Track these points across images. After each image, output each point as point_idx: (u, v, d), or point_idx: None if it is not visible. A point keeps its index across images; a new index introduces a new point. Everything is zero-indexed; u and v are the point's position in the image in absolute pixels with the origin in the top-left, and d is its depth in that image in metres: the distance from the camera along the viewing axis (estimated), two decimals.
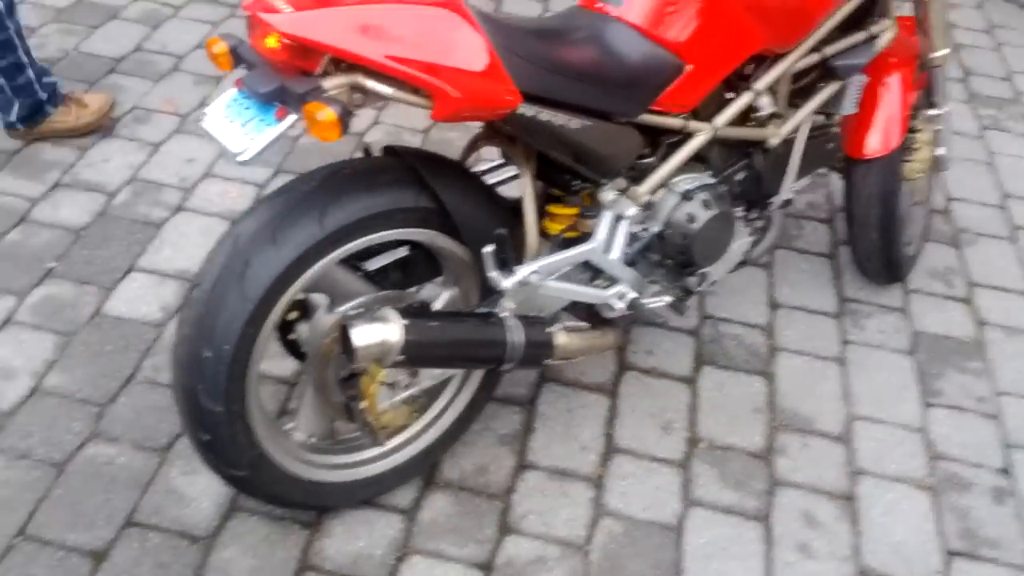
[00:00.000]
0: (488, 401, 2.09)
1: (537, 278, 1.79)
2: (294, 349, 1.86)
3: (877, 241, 2.46)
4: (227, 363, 1.61)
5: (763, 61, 2.00)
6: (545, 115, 1.67)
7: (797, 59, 2.01)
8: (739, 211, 2.13)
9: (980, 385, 2.44)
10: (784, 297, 2.63)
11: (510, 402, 2.25)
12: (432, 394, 1.98)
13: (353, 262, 1.77)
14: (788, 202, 2.30)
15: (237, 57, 1.53)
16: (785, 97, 2.07)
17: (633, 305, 1.94)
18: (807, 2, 1.93)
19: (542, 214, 1.94)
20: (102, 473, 2.00)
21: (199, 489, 1.98)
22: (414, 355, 1.66)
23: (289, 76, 1.47)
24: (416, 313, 1.69)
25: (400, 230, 1.71)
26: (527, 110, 1.64)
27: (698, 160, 2.02)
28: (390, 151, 1.78)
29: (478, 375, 1.99)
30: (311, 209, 1.61)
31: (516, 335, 1.76)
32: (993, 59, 3.89)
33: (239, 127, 1.51)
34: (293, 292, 1.64)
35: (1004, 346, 2.56)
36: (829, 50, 2.09)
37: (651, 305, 2.01)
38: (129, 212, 2.67)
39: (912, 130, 2.44)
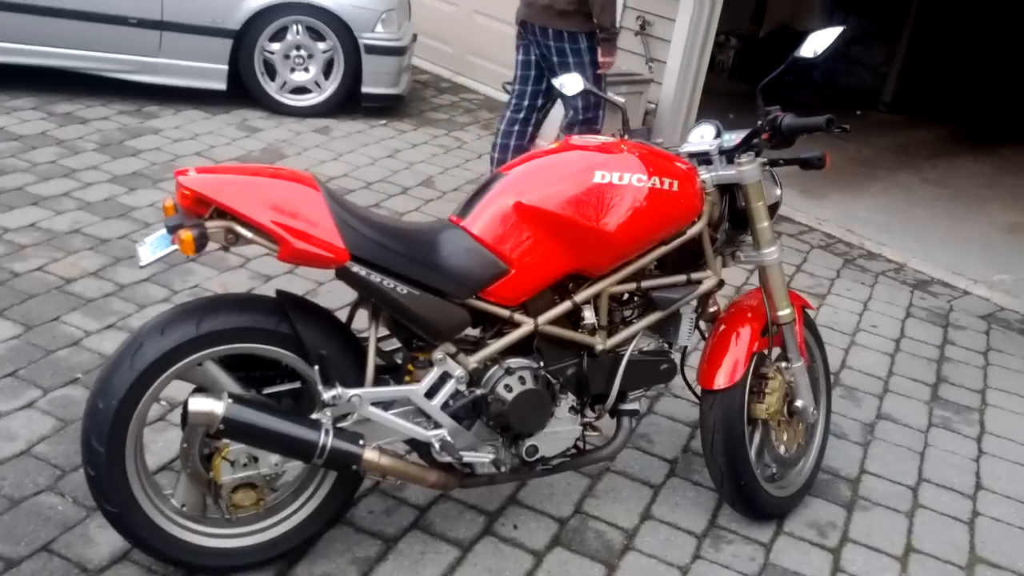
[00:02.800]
0: (340, 515, 2.55)
1: (357, 400, 2.31)
2: None
3: (724, 467, 2.81)
4: (112, 414, 2.20)
5: (583, 280, 2.55)
6: (375, 277, 2.27)
7: (610, 284, 2.54)
8: (571, 401, 2.58)
9: None
10: (660, 513, 2.97)
11: (377, 535, 2.68)
12: (285, 492, 2.47)
13: (255, 385, 2.35)
14: (635, 412, 2.74)
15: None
16: (606, 313, 2.58)
17: (447, 450, 2.41)
18: (612, 242, 2.46)
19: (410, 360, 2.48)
20: (42, 513, 2.57)
21: (104, 539, 2.51)
22: (233, 429, 2.20)
23: (189, 218, 2.16)
24: (248, 401, 2.25)
25: (262, 346, 2.29)
26: (357, 269, 2.24)
27: (534, 348, 2.53)
28: (279, 293, 2.41)
29: (326, 486, 2.47)
30: (193, 316, 2.25)
31: (326, 439, 2.27)
32: (975, 375, 4.19)
33: (150, 247, 2.20)
34: (172, 373, 2.23)
35: None
36: (645, 283, 2.61)
37: (468, 458, 2.47)
38: None
39: (764, 376, 2.85)
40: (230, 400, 2.20)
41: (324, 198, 2.23)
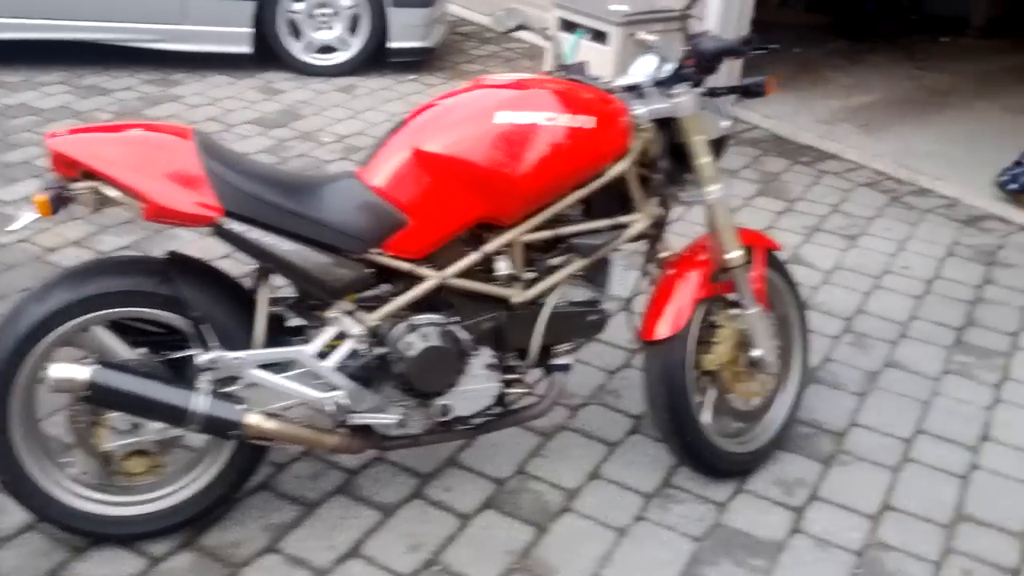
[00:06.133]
0: (242, 481, 2.49)
1: (238, 363, 2.24)
2: None
3: (667, 422, 2.63)
4: None
5: (498, 228, 2.38)
6: (254, 234, 2.18)
7: (522, 233, 2.37)
8: (488, 358, 2.44)
9: None
10: (610, 472, 2.81)
11: (298, 501, 2.62)
12: (189, 459, 2.43)
13: (160, 350, 2.29)
14: (565, 367, 2.58)
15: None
16: (522, 263, 2.41)
17: (343, 413, 2.31)
18: (523, 186, 2.30)
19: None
20: None
21: (17, 507, 2.49)
22: (99, 396, 2.15)
23: (62, 181, 2.10)
24: (117, 367, 2.19)
25: (143, 309, 2.23)
26: (232, 226, 2.16)
27: (446, 304, 2.40)
28: (170, 254, 2.34)
29: (227, 452, 2.41)
30: (74, 280, 2.20)
31: (201, 405, 2.20)
32: (1012, 317, 3.83)
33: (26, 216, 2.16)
34: (52, 339, 2.20)
35: (803, 554, 2.57)
36: (564, 230, 2.43)
37: (371, 421, 2.37)
38: None
39: (713, 325, 2.64)
40: (98, 366, 2.16)
41: (197, 151, 2.14)
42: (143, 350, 2.27)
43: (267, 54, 5.76)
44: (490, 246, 2.38)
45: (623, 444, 2.92)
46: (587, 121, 2.33)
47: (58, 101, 5.14)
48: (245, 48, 5.69)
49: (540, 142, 2.29)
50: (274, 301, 2.37)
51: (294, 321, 2.40)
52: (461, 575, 2.44)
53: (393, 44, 5.87)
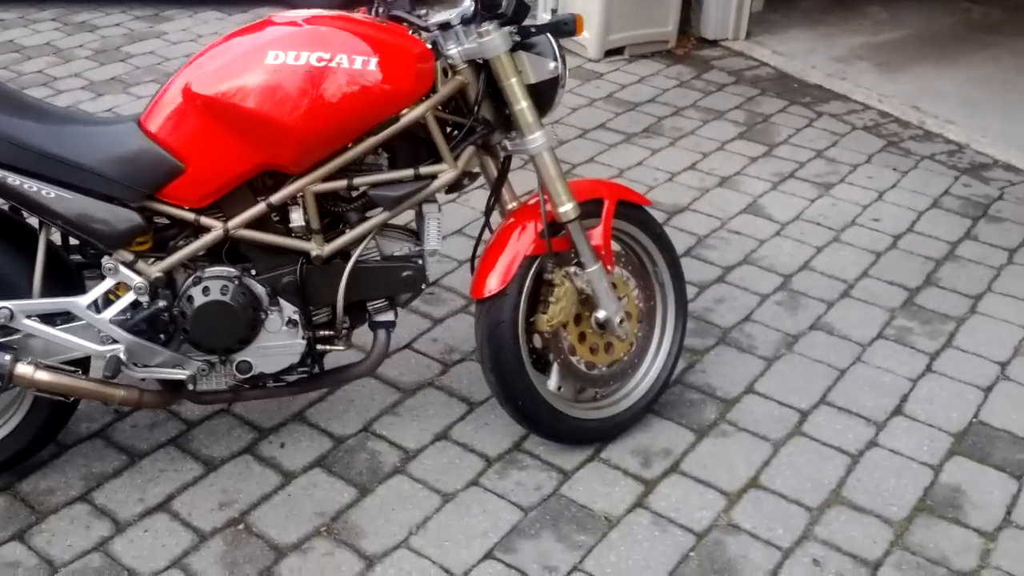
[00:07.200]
0: (49, 433, 2.43)
1: (6, 313, 2.17)
2: None
3: (496, 384, 2.46)
4: None
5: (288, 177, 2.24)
6: (13, 180, 2.10)
7: (310, 182, 2.22)
8: (289, 313, 2.31)
9: (564, 557, 2.31)
10: (460, 434, 2.67)
11: (126, 451, 2.56)
12: None
13: None
14: (389, 324, 2.43)
15: None
16: (316, 214, 2.26)
17: (118, 366, 2.22)
18: (298, 132, 2.13)
19: None
20: None
21: None
22: None
23: None
24: None
25: None
26: None
27: (240, 256, 2.28)
28: None
29: (27, 403, 2.36)
30: None
31: None
32: (980, 277, 3.49)
33: None
34: None
35: (636, 533, 2.39)
36: (358, 180, 2.26)
37: (154, 375, 2.28)
38: None
39: (550, 283, 2.44)
40: None
41: None
42: None
43: None
44: (276, 196, 2.24)
45: (485, 405, 2.77)
46: (368, 62, 2.15)
47: (44, 38, 5.18)
48: None
49: (312, 84, 2.12)
50: (69, 250, 2.30)
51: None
52: (262, 535, 2.35)
53: None
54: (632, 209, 2.60)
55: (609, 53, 5.31)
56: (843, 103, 4.91)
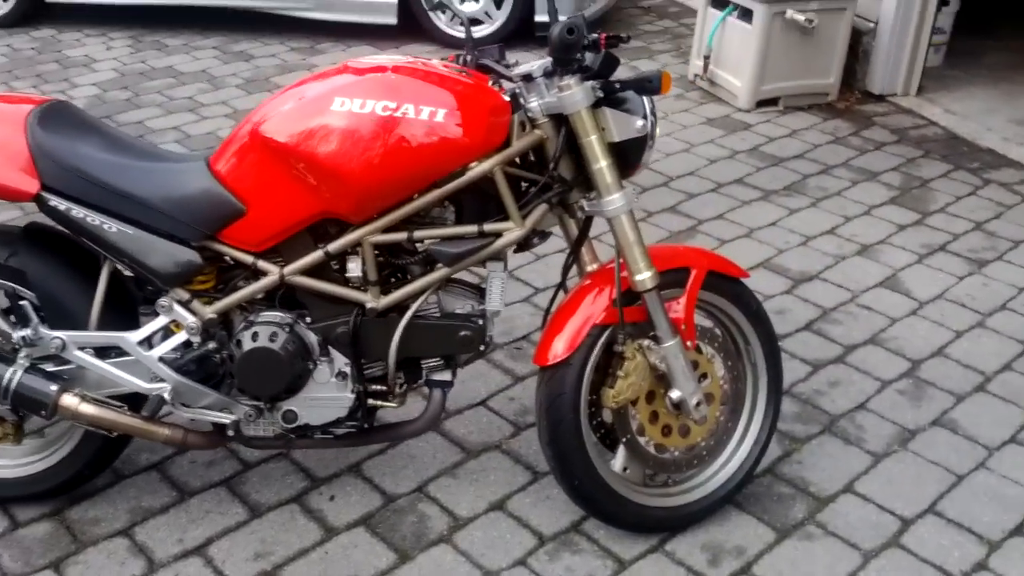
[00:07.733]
0: (102, 461, 2.42)
1: (59, 343, 2.16)
2: None
3: (553, 459, 2.28)
4: None
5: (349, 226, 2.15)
6: (78, 212, 2.10)
7: (369, 232, 2.11)
8: (340, 365, 2.22)
9: None
10: (516, 506, 2.50)
11: (178, 487, 2.52)
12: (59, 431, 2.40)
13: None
14: (446, 384, 2.30)
15: None
16: (373, 265, 2.15)
17: (161, 405, 2.18)
18: (358, 181, 2.04)
19: None
20: None
21: None
22: None
23: None
24: None
25: None
26: (56, 203, 2.09)
27: (297, 303, 2.21)
28: (30, 224, 2.30)
29: (78, 434, 2.34)
30: None
31: (11, 378, 2.14)
32: None
33: None
34: None
35: None
36: (419, 233, 2.14)
37: (195, 416, 2.23)
38: None
39: (622, 356, 2.25)
40: None
41: (28, 125, 2.10)
42: None
43: (413, 26, 5.70)
44: (333, 245, 2.15)
45: (550, 477, 2.57)
46: (436, 113, 2.03)
47: (201, 65, 5.37)
48: (390, 19, 5.67)
49: (375, 134, 2.03)
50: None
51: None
52: None
53: (540, 17, 5.61)
54: (726, 281, 2.37)
55: (762, 103, 5.04)
56: (1017, 171, 4.46)
